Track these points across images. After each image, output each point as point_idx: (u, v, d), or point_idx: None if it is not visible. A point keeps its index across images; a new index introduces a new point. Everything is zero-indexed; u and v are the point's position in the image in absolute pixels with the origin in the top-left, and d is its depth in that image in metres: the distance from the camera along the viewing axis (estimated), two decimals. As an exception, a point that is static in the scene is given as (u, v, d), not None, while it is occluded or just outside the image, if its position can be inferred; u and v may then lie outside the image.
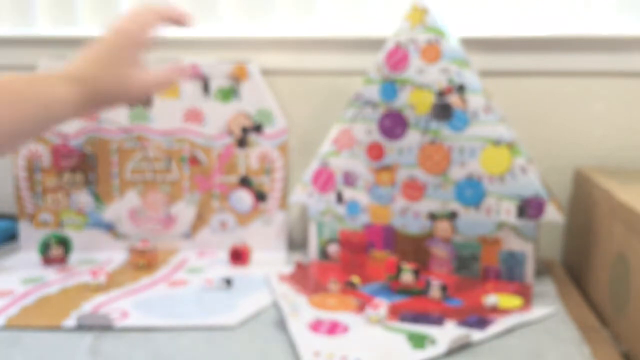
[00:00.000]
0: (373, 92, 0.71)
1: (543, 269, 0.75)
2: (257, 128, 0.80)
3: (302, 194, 0.76)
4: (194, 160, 0.80)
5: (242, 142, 0.80)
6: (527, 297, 0.63)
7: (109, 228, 0.81)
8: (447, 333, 0.54)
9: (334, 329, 0.55)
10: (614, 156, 0.81)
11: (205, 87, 0.80)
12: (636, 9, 0.80)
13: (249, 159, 0.80)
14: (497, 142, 0.66)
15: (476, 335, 0.53)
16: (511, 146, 0.66)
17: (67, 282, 0.68)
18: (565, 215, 0.75)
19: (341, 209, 0.74)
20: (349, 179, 0.73)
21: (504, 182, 0.66)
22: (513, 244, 0.68)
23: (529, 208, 0.65)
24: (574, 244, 0.78)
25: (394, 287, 0.65)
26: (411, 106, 0.69)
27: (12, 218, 0.85)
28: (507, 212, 0.66)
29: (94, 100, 0.58)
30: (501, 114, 0.70)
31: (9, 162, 0.83)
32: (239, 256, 0.76)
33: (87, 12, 0.89)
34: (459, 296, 0.64)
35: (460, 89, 0.67)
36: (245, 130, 0.80)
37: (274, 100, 0.80)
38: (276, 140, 0.80)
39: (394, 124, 0.70)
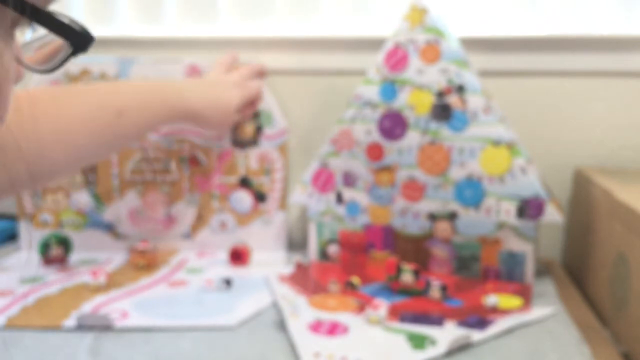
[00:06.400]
0: (372, 92, 0.71)
1: (543, 269, 0.75)
2: (257, 129, 0.80)
3: (301, 195, 0.76)
4: (193, 161, 0.80)
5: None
6: (527, 297, 0.63)
7: (109, 228, 0.81)
8: (447, 333, 0.54)
9: (334, 329, 0.55)
10: (614, 156, 0.81)
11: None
12: (636, 9, 0.80)
13: (249, 160, 0.80)
14: (496, 143, 0.66)
15: (476, 335, 0.53)
16: (511, 146, 0.66)
17: (67, 282, 0.68)
18: (565, 215, 0.75)
19: (341, 210, 0.74)
20: (349, 180, 0.73)
21: (503, 183, 0.66)
22: (513, 244, 0.68)
23: (529, 208, 0.65)
24: (574, 244, 0.78)
25: (394, 288, 0.65)
26: (411, 107, 0.69)
27: (12, 218, 0.86)
28: (507, 212, 0.66)
29: (196, 119, 0.72)
30: (501, 114, 0.70)
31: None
32: (238, 256, 0.76)
33: (88, 12, 0.89)
34: (459, 296, 0.64)
35: (460, 89, 0.67)
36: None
37: (274, 101, 0.80)
38: (276, 141, 0.80)
39: (393, 125, 0.70)
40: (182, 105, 0.69)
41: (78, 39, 0.33)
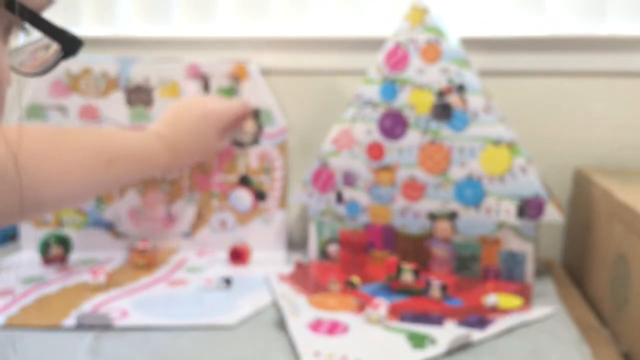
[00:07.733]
0: (373, 92, 0.71)
1: (543, 269, 0.75)
2: (257, 127, 0.79)
3: (302, 194, 0.76)
4: (193, 160, 0.80)
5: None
6: (527, 297, 0.63)
7: (109, 227, 0.81)
8: (447, 333, 0.54)
9: (334, 328, 0.55)
10: (614, 156, 0.81)
11: (205, 87, 0.80)
12: (636, 9, 0.80)
13: (249, 158, 0.80)
14: (497, 142, 0.66)
15: (476, 335, 0.53)
16: (511, 146, 0.66)
17: (67, 282, 0.68)
18: (565, 215, 0.75)
19: (341, 209, 0.74)
20: (349, 179, 0.73)
21: (503, 182, 0.66)
22: (513, 244, 0.68)
23: (529, 208, 0.65)
24: (574, 244, 0.78)
25: (394, 287, 0.65)
26: (411, 106, 0.70)
27: (12, 217, 0.85)
28: (507, 212, 0.66)
29: (178, 165, 0.76)
30: (501, 114, 0.70)
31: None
32: (238, 256, 0.76)
33: (89, 13, 0.88)
34: (459, 296, 0.64)
35: (460, 89, 0.68)
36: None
37: (274, 100, 0.80)
38: (276, 140, 0.80)
39: (394, 124, 0.70)
40: (166, 160, 0.71)
41: (70, 43, 0.35)
